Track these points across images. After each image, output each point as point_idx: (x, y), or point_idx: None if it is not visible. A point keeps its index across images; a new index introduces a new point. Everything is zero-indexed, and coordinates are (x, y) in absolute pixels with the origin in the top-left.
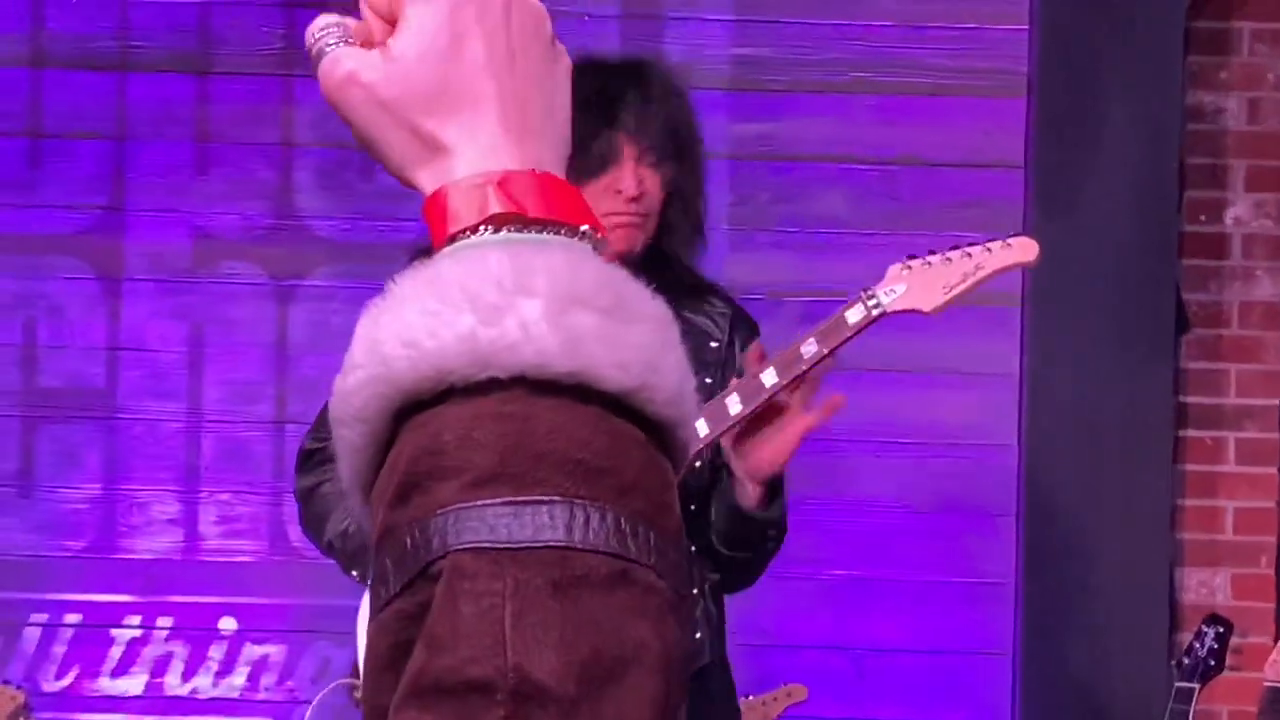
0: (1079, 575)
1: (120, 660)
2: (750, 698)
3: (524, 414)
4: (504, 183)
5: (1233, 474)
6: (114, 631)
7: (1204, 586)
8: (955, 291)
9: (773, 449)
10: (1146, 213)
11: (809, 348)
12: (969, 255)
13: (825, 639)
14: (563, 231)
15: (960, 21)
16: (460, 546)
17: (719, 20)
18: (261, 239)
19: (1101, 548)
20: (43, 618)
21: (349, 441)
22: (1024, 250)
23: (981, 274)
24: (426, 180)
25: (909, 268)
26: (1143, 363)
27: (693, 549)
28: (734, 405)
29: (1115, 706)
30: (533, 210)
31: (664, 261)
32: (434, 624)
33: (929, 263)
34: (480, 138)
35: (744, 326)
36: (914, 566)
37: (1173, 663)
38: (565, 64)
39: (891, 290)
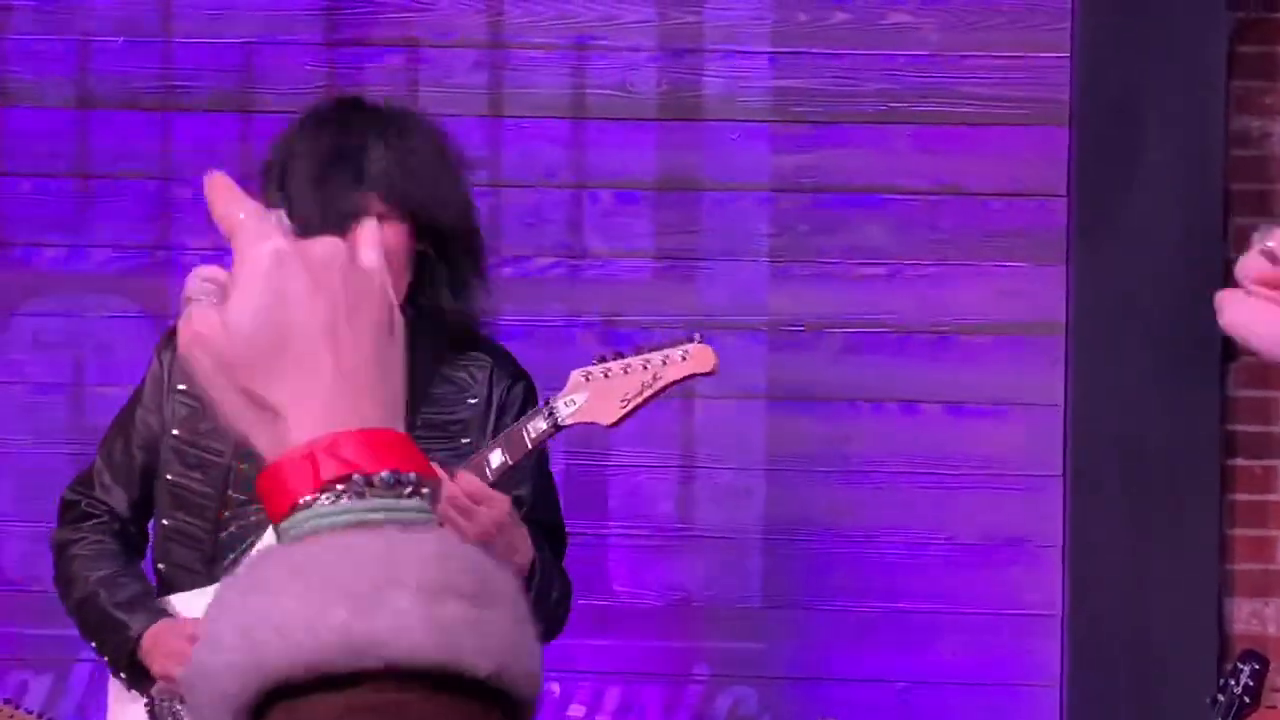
0: (1126, 607)
1: None
2: None
3: (396, 705)
4: (333, 446)
5: None
6: None
7: (1255, 617)
8: (633, 404)
9: None
10: (1192, 240)
11: (496, 457)
12: (647, 365)
13: (868, 672)
14: (396, 489)
15: (1001, 50)
16: None
17: (758, 53)
18: None
19: (1149, 579)
20: (93, 655)
21: (205, 709)
22: (700, 360)
23: (659, 384)
24: (262, 443)
25: (589, 375)
26: (1189, 391)
27: None
28: None
29: None
30: (367, 467)
31: (426, 316)
32: None
33: (608, 371)
34: (313, 401)
35: (505, 378)
36: (958, 599)
37: (1207, 699)
38: (400, 331)
39: (571, 401)
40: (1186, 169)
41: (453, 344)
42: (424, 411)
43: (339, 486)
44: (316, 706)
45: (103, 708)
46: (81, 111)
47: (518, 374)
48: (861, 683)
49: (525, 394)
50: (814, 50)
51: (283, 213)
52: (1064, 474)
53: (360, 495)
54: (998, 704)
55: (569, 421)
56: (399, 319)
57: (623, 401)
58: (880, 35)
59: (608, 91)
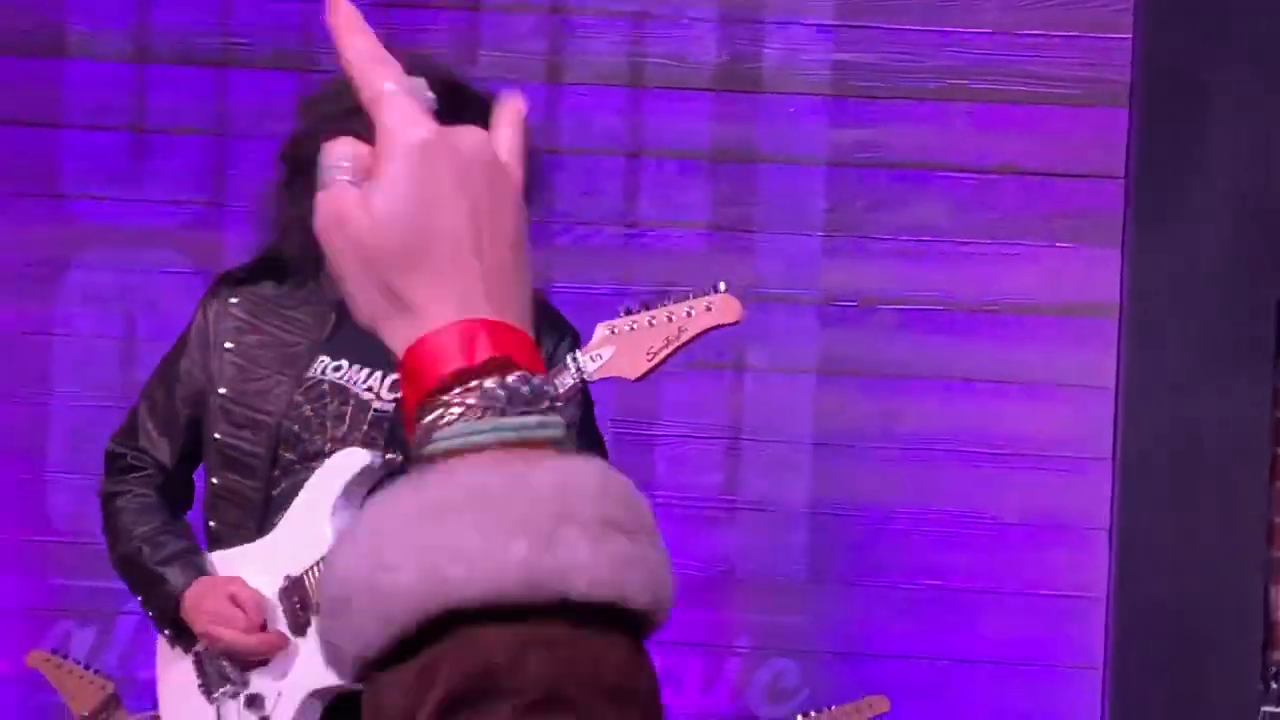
0: (1172, 591)
1: None
2: (833, 708)
3: (568, 639)
4: (487, 327)
5: None
6: None
7: None
8: (659, 357)
9: None
10: (1250, 225)
11: None
12: (671, 317)
13: (911, 649)
14: (539, 401)
15: (1062, 30)
16: None
17: (818, 25)
18: None
19: (1196, 563)
20: (138, 606)
21: (365, 630)
22: (725, 311)
23: (685, 336)
24: (395, 337)
25: (614, 329)
26: (1242, 377)
27: None
28: None
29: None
30: (517, 357)
31: None
32: None
33: (634, 324)
34: (453, 302)
35: (552, 332)
36: (1003, 578)
37: (1259, 686)
38: (527, 241)
39: (597, 355)
40: (1248, 154)
41: None
42: None
43: (485, 385)
44: (490, 635)
45: (150, 659)
46: (139, 66)
47: (565, 329)
48: (903, 659)
49: (572, 347)
50: (875, 25)
51: (424, 83)
52: (1113, 457)
53: (500, 412)
54: (1039, 684)
55: (595, 376)
56: (525, 229)
57: (649, 354)
58: (942, 12)
59: (666, 61)
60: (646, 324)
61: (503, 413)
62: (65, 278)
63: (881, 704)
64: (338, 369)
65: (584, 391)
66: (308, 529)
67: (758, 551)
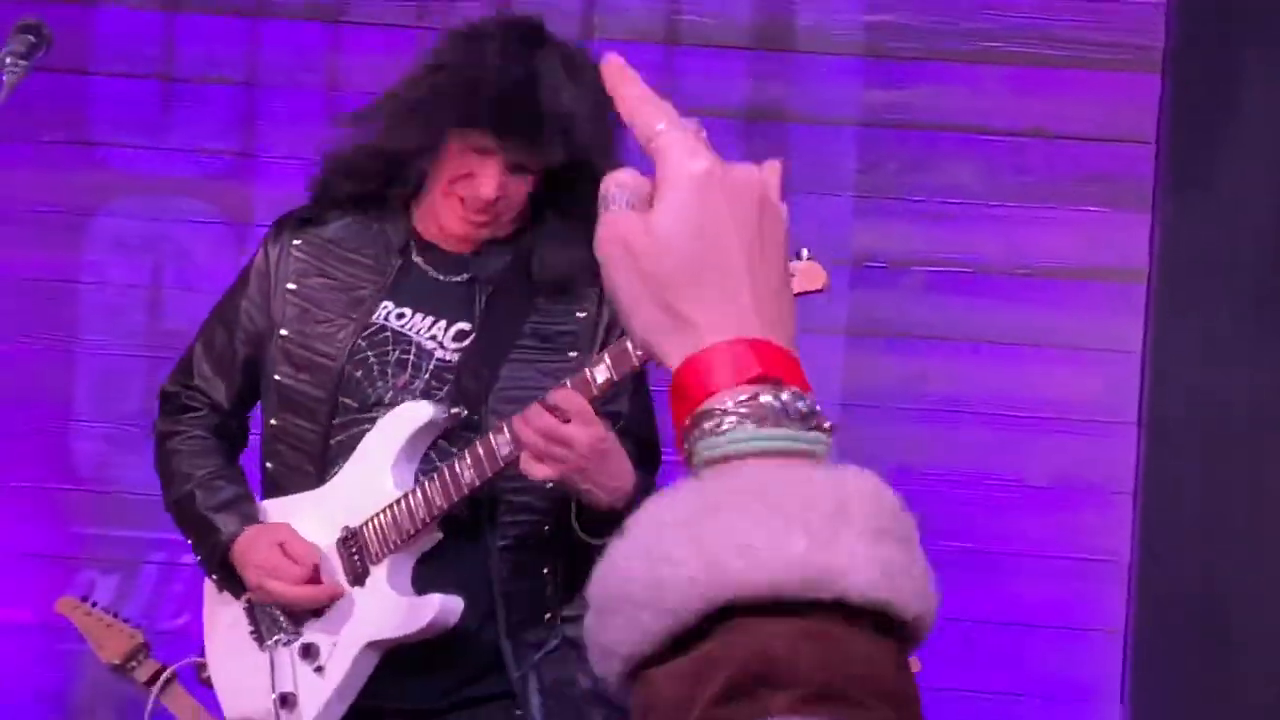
0: (1198, 555)
1: None
2: None
3: (844, 638)
4: (758, 346)
5: None
6: None
7: None
8: None
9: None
10: None
11: (601, 373)
12: None
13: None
14: (809, 420)
15: None
16: None
17: None
18: None
19: (1223, 528)
20: (161, 557)
21: (643, 625)
22: (810, 277)
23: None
24: (671, 352)
25: None
26: (1269, 342)
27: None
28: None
29: (1230, 688)
30: (787, 378)
31: (541, 228)
32: None
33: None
34: (729, 322)
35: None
36: (1027, 540)
37: None
38: (788, 271)
39: None
40: None
41: (553, 286)
42: (532, 320)
43: (760, 398)
44: (770, 628)
45: (172, 609)
46: (169, 14)
47: None
48: None
49: None
50: None
51: (698, 121)
52: (1139, 421)
53: (775, 424)
54: (1060, 647)
55: None
56: (786, 262)
57: None
58: None
59: (701, 18)
60: None
61: (777, 424)
62: (93, 225)
63: (914, 664)
64: (401, 316)
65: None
66: (367, 480)
67: None
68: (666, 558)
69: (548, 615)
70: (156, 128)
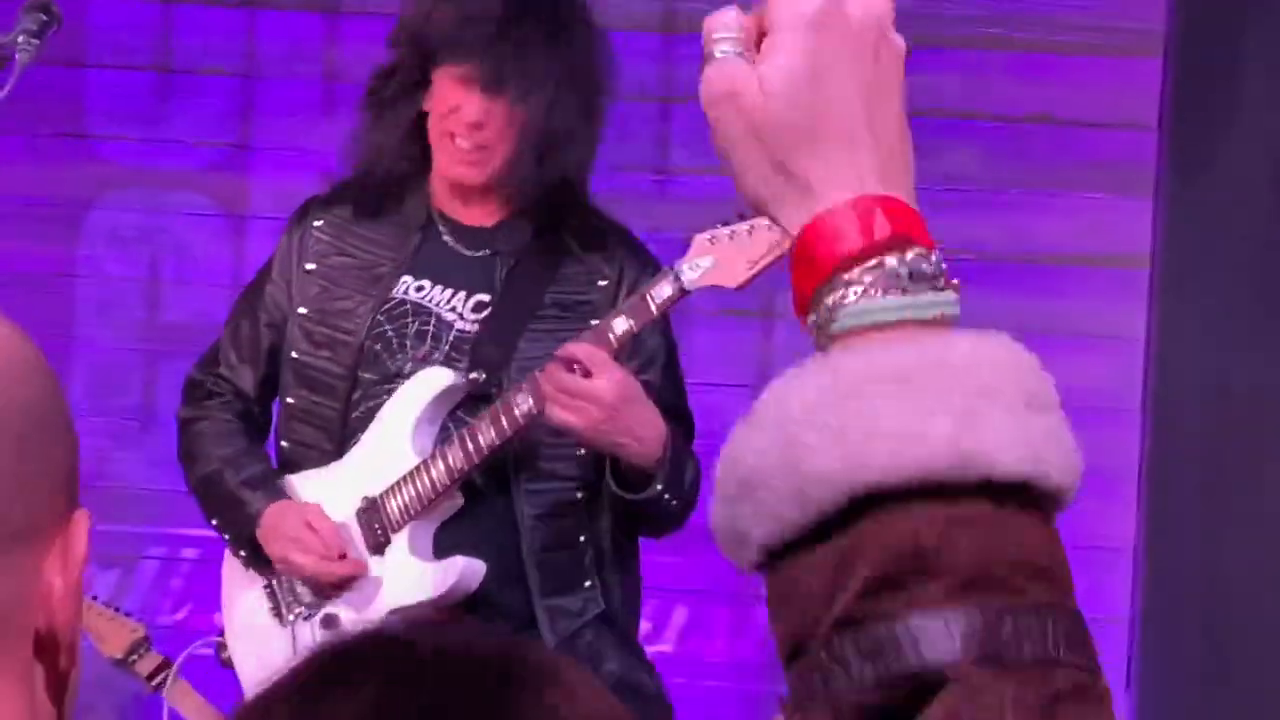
0: (1203, 544)
1: None
2: None
3: (993, 519)
4: (885, 204)
5: None
6: None
7: None
8: (760, 266)
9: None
10: None
11: (620, 324)
12: (772, 227)
13: None
14: (936, 280)
15: None
16: (952, 659)
17: None
18: None
19: (1227, 517)
20: (160, 551)
21: (778, 513)
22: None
23: (788, 243)
24: (786, 213)
25: (714, 239)
26: (1273, 330)
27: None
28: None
29: (1236, 674)
30: (916, 236)
31: (560, 196)
32: None
33: (734, 233)
34: (848, 176)
35: (638, 265)
36: None
37: None
38: (903, 115)
39: (697, 265)
40: None
41: (581, 226)
42: (552, 290)
43: (887, 263)
44: (917, 515)
45: (171, 604)
46: (165, 5)
47: (650, 263)
48: None
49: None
50: None
51: None
52: (1143, 409)
53: (903, 291)
54: None
55: (695, 285)
56: (903, 104)
57: (749, 263)
58: None
59: (699, 5)
60: (746, 233)
61: (904, 290)
62: (90, 218)
63: None
64: (420, 289)
65: (666, 332)
66: (387, 449)
67: None
68: (804, 444)
69: (587, 583)
70: (153, 120)
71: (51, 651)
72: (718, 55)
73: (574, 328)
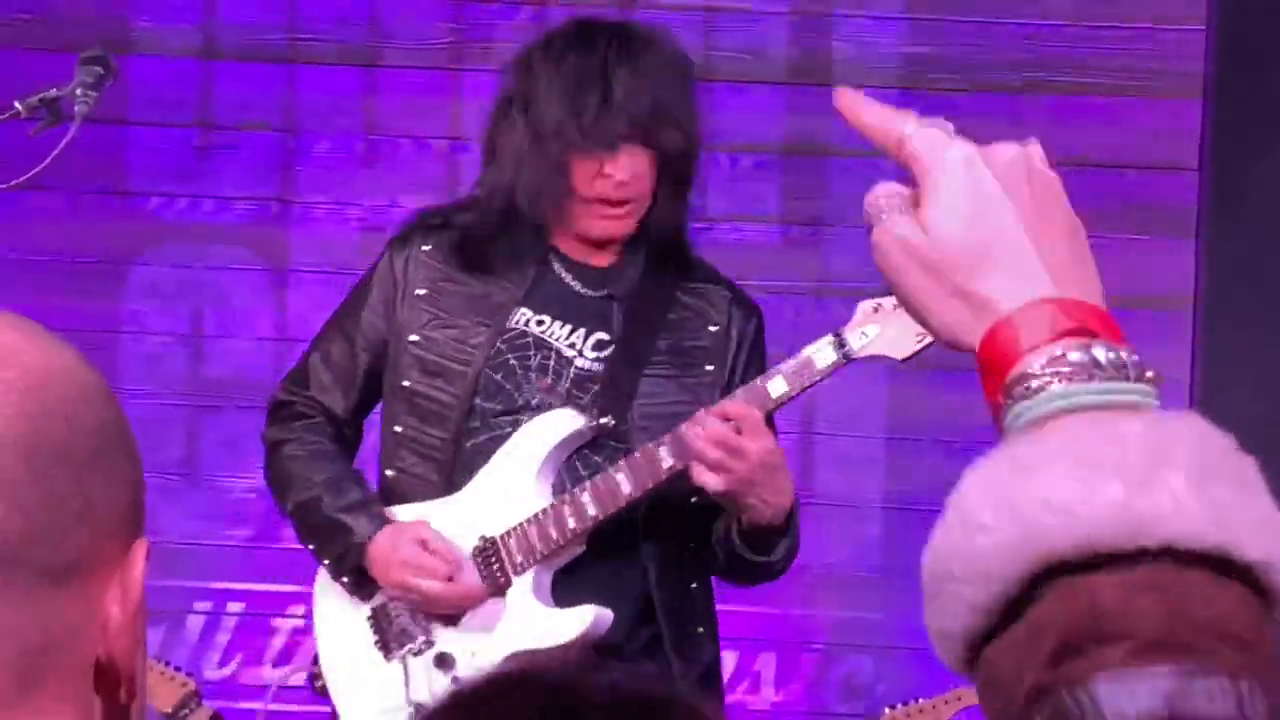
0: None
1: (282, 650)
2: (920, 701)
3: (1177, 584)
4: (1065, 304)
5: None
6: (276, 621)
7: None
8: (929, 339)
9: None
10: None
11: (778, 386)
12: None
13: None
14: (1139, 374)
15: (1135, 21)
16: (1136, 715)
17: (890, 18)
18: None
19: None
20: (206, 606)
21: (967, 599)
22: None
23: None
24: (973, 335)
25: (879, 306)
26: None
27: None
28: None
29: None
30: (1101, 332)
31: (657, 238)
32: None
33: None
34: (1026, 287)
35: (744, 308)
36: None
37: None
38: (1084, 237)
39: (864, 334)
40: None
41: (681, 269)
42: (663, 336)
43: (1069, 355)
44: (1095, 584)
45: (216, 657)
46: (206, 62)
47: (753, 307)
48: None
49: (759, 328)
50: (948, 18)
51: (944, 121)
52: None
53: (1088, 378)
54: None
55: (862, 354)
56: (1079, 225)
57: (918, 336)
58: (1013, 4)
59: (737, 54)
60: None
61: (1090, 378)
62: (133, 274)
63: (970, 696)
64: (540, 323)
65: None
66: (509, 489)
67: (832, 547)
68: (980, 526)
69: (700, 629)
70: (194, 175)
71: (111, 683)
72: (882, 217)
73: (690, 374)
